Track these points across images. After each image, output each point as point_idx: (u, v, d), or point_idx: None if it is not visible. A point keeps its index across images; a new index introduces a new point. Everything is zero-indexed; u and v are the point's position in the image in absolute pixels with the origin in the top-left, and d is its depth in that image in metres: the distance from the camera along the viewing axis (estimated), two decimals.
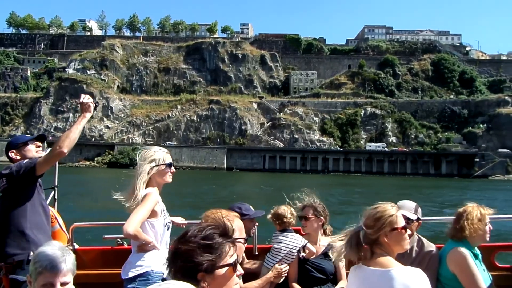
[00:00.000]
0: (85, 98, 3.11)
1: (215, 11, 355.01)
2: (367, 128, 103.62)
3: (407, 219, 2.70)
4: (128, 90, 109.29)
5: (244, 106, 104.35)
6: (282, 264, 3.23)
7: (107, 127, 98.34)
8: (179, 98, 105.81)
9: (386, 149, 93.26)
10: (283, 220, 3.39)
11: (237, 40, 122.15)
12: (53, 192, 4.11)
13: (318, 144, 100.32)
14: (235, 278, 1.56)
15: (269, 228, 3.62)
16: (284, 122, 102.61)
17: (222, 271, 1.49)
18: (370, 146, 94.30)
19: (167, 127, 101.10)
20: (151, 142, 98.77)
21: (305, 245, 3.31)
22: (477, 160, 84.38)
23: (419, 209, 3.02)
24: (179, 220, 3.55)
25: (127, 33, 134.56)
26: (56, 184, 4.14)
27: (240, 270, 1.58)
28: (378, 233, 2.14)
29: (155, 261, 2.84)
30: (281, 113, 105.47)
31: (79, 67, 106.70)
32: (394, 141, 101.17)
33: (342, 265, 3.32)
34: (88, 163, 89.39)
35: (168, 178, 3.03)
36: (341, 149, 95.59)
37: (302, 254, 3.33)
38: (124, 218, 2.83)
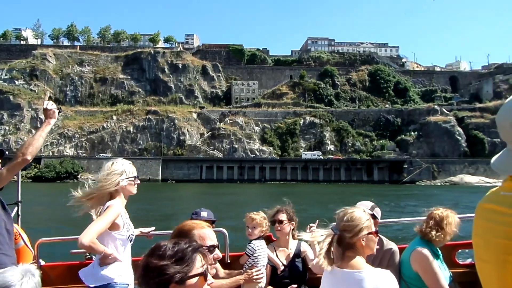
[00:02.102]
0: (49, 104, 3.02)
1: (158, 22, 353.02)
2: (306, 137, 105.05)
3: (373, 217, 2.88)
4: (61, 101, 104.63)
5: (183, 117, 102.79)
6: (253, 268, 3.22)
7: None
8: (116, 109, 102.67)
9: (321, 157, 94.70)
10: (261, 229, 3.44)
11: (178, 50, 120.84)
12: (16, 208, 3.84)
13: (258, 153, 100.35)
14: (206, 287, 1.59)
15: (241, 236, 3.67)
16: (223, 132, 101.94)
17: (193, 281, 1.52)
18: (306, 154, 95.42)
19: (102, 138, 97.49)
20: (84, 154, 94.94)
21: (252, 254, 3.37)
22: (406, 166, 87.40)
23: (377, 209, 3.13)
24: (146, 230, 3.55)
25: (66, 42, 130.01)
26: (19, 199, 3.87)
27: (210, 279, 1.63)
28: (357, 237, 2.19)
29: (119, 273, 2.83)
30: (222, 123, 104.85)
31: (6, 77, 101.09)
32: (332, 149, 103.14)
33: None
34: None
35: (134, 190, 3.05)
36: (277, 158, 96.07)
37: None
38: None
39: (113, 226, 2.84)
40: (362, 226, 2.20)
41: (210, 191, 56.04)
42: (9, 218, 2.92)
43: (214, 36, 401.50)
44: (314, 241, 2.33)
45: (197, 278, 1.53)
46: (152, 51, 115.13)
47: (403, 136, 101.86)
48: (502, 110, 1.36)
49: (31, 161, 2.89)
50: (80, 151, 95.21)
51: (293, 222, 3.50)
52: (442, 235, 3.07)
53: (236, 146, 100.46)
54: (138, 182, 3.12)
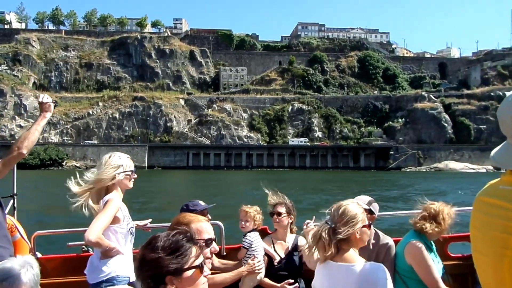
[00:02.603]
0: (45, 98, 3.04)
1: (146, 5, 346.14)
2: (294, 123, 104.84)
3: (370, 212, 2.93)
4: (46, 86, 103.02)
5: (170, 103, 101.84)
6: (254, 260, 3.24)
7: (20, 126, 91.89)
8: (102, 95, 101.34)
9: (308, 144, 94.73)
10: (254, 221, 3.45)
11: (165, 35, 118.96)
12: (12, 200, 3.83)
13: (245, 140, 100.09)
14: (202, 278, 1.59)
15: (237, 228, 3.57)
16: (211, 119, 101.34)
17: (189, 273, 1.53)
18: (293, 141, 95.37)
19: (87, 125, 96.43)
20: (70, 141, 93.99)
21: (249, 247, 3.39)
22: (392, 153, 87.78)
23: (374, 204, 3.12)
24: (142, 222, 3.56)
25: (51, 27, 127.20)
26: (15, 192, 3.83)
27: (207, 271, 1.62)
28: (352, 230, 2.22)
29: (120, 266, 2.85)
30: (209, 110, 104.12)
31: None
32: (320, 136, 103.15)
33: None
34: None
35: (131, 184, 3.06)
36: (265, 144, 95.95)
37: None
38: (89, 224, 2.77)
39: (114, 220, 2.86)
40: (358, 220, 2.23)
41: (198, 178, 55.75)
42: (3, 211, 2.88)
43: (204, 21, 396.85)
44: (308, 233, 2.35)
45: (193, 270, 1.54)
46: (139, 36, 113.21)
47: (390, 122, 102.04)
48: (503, 104, 1.35)
49: (27, 155, 2.86)
50: (65, 138, 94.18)
51: (292, 216, 3.49)
52: (437, 229, 3.10)
53: (223, 133, 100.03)
54: (135, 176, 3.11)
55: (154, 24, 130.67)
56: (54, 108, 3.18)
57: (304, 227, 3.19)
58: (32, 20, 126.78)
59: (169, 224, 2.26)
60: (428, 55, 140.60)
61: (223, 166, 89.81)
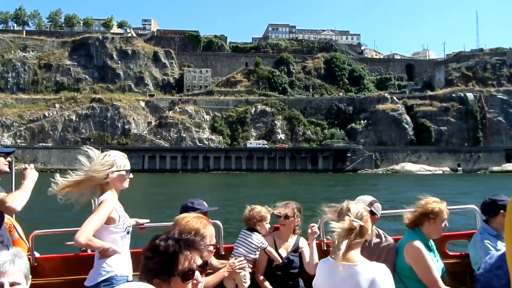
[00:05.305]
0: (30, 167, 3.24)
1: (114, 6, 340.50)
2: (257, 125, 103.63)
3: (372, 213, 2.92)
4: (2, 88, 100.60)
5: (129, 105, 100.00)
6: (236, 259, 3.24)
7: None
8: (59, 97, 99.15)
9: (266, 146, 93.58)
10: (251, 220, 3.50)
11: (128, 35, 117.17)
12: None
13: (206, 142, 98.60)
14: (202, 280, 1.59)
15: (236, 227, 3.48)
16: (171, 121, 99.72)
17: (177, 279, 1.53)
18: (251, 143, 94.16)
19: (42, 127, 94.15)
20: (24, 144, 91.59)
21: (264, 248, 3.46)
22: (349, 155, 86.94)
23: (376, 204, 3.14)
24: (142, 221, 3.54)
25: (17, 27, 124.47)
26: (14, 191, 3.65)
27: (198, 278, 1.59)
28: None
29: (118, 265, 2.87)
30: (170, 112, 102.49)
31: None
32: (283, 138, 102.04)
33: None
34: None
35: (126, 184, 3.04)
36: (222, 147, 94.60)
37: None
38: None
39: (109, 220, 2.83)
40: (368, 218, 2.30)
41: (153, 182, 53.77)
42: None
43: (174, 22, 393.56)
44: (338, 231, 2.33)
45: (179, 276, 1.52)
46: (100, 37, 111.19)
47: (353, 124, 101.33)
48: None
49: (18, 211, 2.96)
50: (19, 141, 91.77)
51: (299, 219, 3.56)
52: (431, 227, 3.08)
53: (183, 135, 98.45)
54: (131, 176, 3.06)
55: (120, 25, 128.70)
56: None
57: (309, 230, 3.35)
58: None
59: (167, 223, 2.34)
60: (399, 57, 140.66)
61: (179, 169, 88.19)
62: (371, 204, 3.07)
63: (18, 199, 2.91)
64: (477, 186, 41.07)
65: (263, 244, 3.44)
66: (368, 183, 51.69)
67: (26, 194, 3.01)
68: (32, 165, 3.27)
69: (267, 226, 3.52)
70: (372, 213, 2.94)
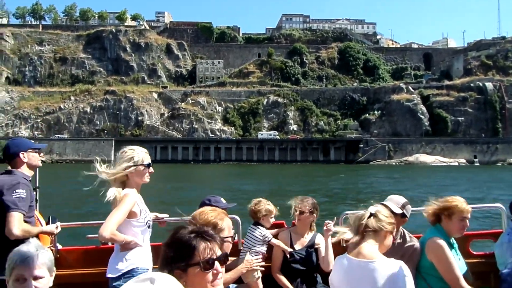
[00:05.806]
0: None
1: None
2: (269, 116, 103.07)
3: (403, 215, 3.00)
4: (19, 81, 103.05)
5: (142, 96, 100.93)
6: (254, 256, 3.31)
7: None
8: (74, 89, 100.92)
9: (277, 137, 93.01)
10: (257, 214, 3.54)
11: (142, 28, 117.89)
12: (34, 193, 3.72)
13: (219, 133, 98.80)
14: (212, 275, 1.58)
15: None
16: (184, 112, 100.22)
17: (195, 269, 1.55)
18: (262, 134, 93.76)
19: (58, 119, 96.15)
20: (40, 135, 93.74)
21: (269, 241, 3.50)
22: (362, 146, 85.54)
23: (408, 206, 3.09)
24: (161, 215, 3.62)
25: (34, 22, 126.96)
26: (38, 185, 3.83)
27: (219, 268, 1.60)
28: (386, 229, 2.40)
29: (140, 258, 2.92)
30: (183, 103, 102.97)
31: None
32: (295, 129, 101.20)
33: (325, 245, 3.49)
34: None
35: (146, 178, 3.05)
36: (233, 138, 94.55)
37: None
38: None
39: (131, 214, 2.90)
40: (393, 222, 2.36)
41: (164, 174, 54.22)
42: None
43: (187, 14, 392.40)
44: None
45: (198, 267, 1.54)
46: (114, 30, 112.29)
47: (366, 115, 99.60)
48: None
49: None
50: (36, 132, 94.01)
51: (315, 215, 3.58)
52: (450, 225, 3.06)
53: (196, 126, 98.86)
54: (152, 170, 3.05)
55: (134, 18, 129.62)
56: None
57: (324, 228, 3.33)
58: (13, 15, 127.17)
59: (184, 218, 2.47)
60: (416, 46, 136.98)
61: (190, 160, 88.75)
62: (403, 206, 3.03)
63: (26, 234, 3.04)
64: (495, 181, 37.66)
65: (266, 237, 3.48)
66: (371, 174, 50.53)
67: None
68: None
69: (272, 220, 3.55)
70: (403, 216, 2.97)
